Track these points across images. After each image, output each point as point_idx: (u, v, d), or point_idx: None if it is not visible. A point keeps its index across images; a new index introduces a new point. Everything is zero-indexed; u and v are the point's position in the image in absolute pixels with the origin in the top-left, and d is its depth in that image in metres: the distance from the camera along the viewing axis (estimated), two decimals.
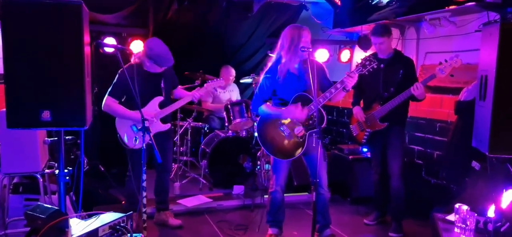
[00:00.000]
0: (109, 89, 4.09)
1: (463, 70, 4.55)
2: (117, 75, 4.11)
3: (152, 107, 4.17)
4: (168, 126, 4.31)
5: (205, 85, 4.49)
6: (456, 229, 3.10)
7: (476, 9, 4.26)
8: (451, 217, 3.26)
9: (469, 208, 3.07)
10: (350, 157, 5.51)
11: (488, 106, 2.53)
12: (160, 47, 4.10)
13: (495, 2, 3.86)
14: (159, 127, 4.21)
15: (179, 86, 4.52)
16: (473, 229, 3.00)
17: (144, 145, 3.41)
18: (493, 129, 2.51)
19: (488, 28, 2.66)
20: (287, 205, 4.21)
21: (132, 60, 4.18)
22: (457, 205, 3.14)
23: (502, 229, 2.88)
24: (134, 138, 4.10)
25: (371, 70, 3.71)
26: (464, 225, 3.01)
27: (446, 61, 3.96)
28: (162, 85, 4.23)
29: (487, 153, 2.55)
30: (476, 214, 3.05)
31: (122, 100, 4.13)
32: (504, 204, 2.91)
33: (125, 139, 4.14)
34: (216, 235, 4.39)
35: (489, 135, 2.51)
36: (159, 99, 4.20)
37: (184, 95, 4.41)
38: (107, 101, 4.07)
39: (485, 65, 2.63)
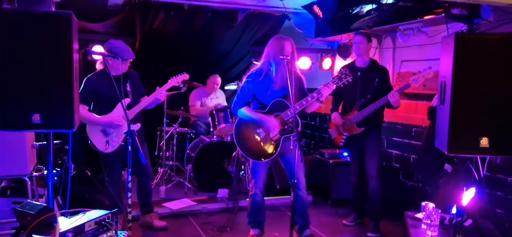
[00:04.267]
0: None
1: (435, 77, 4.78)
2: (83, 83, 4.19)
3: (121, 110, 4.16)
4: (138, 126, 4.33)
5: (169, 81, 4.49)
6: (423, 225, 3.32)
7: (445, 20, 4.48)
8: (419, 215, 3.48)
9: (434, 206, 3.29)
10: (330, 161, 5.70)
11: (447, 110, 2.75)
12: (119, 42, 4.17)
13: (462, 13, 4.07)
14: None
15: (145, 96, 4.51)
16: (437, 225, 3.21)
17: (129, 148, 3.54)
18: (451, 130, 2.72)
19: (446, 38, 2.88)
20: (269, 207, 4.36)
21: (97, 67, 4.25)
22: (423, 203, 3.35)
23: (465, 224, 3.09)
24: (105, 142, 4.23)
25: (346, 83, 3.94)
26: (429, 221, 3.22)
27: (420, 72, 4.27)
28: (128, 88, 4.30)
29: (446, 152, 2.76)
30: (440, 211, 3.26)
31: (90, 107, 4.25)
32: (464, 202, 3.13)
33: (96, 144, 4.26)
34: (200, 236, 4.54)
35: (448, 135, 2.72)
36: (126, 101, 4.20)
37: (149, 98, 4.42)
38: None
39: (444, 72, 2.85)
